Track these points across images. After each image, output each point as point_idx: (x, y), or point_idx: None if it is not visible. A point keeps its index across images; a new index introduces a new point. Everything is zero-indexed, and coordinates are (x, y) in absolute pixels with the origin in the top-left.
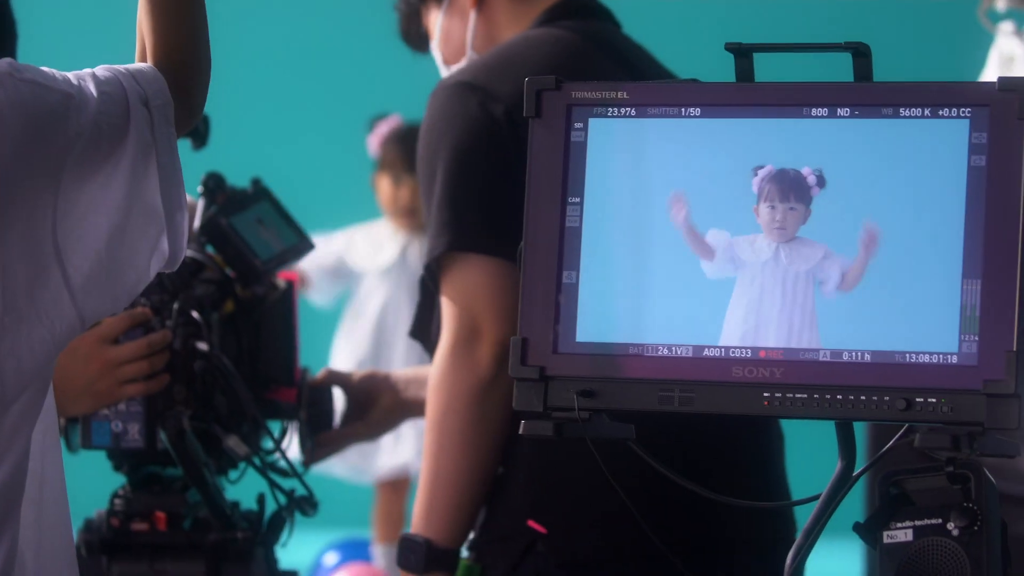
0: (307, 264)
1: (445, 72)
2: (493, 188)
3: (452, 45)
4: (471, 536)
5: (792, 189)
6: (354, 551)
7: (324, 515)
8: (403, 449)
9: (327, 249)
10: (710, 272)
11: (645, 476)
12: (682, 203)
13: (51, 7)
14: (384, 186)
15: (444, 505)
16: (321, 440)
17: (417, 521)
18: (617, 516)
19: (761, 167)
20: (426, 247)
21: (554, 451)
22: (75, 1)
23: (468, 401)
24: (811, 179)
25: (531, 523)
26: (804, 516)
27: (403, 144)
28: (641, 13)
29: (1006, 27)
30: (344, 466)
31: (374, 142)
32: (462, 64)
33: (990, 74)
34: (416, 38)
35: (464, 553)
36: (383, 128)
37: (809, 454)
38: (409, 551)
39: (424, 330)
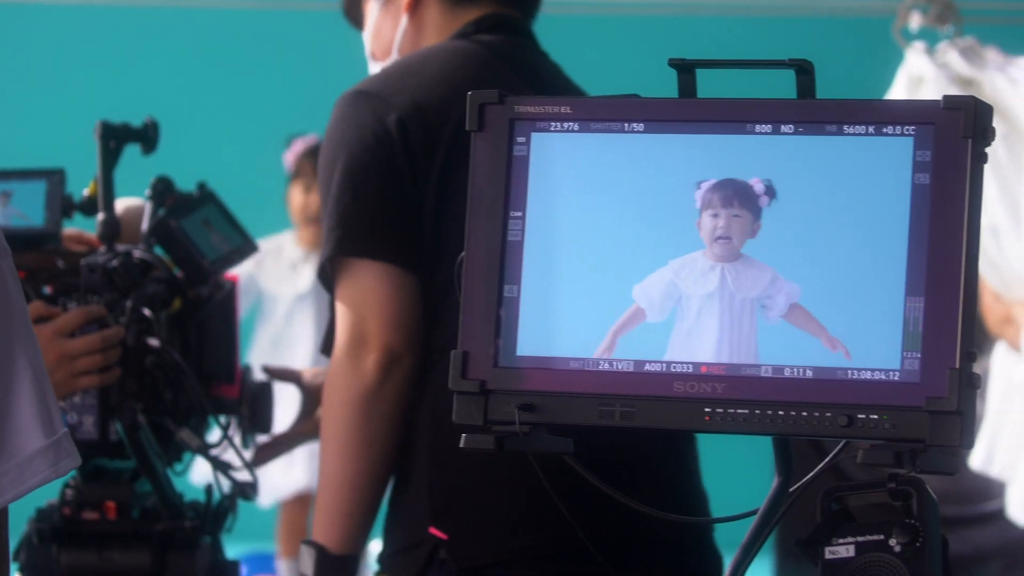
0: None
1: (371, 63)
2: (381, 195)
3: (381, 42)
4: (380, 549)
5: (736, 195)
6: (259, 565)
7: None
8: (296, 472)
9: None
10: (653, 318)
11: (553, 475)
12: None
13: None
14: (295, 195)
15: (334, 512)
16: (274, 440)
17: (313, 527)
18: (518, 518)
19: (704, 181)
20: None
21: (452, 457)
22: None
23: (353, 408)
24: (759, 187)
25: (432, 530)
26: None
27: (316, 157)
28: (584, 30)
29: (918, 46)
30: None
31: (289, 157)
32: (385, 64)
33: (897, 93)
34: (355, 17)
35: (375, 566)
36: (299, 145)
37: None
38: (305, 557)
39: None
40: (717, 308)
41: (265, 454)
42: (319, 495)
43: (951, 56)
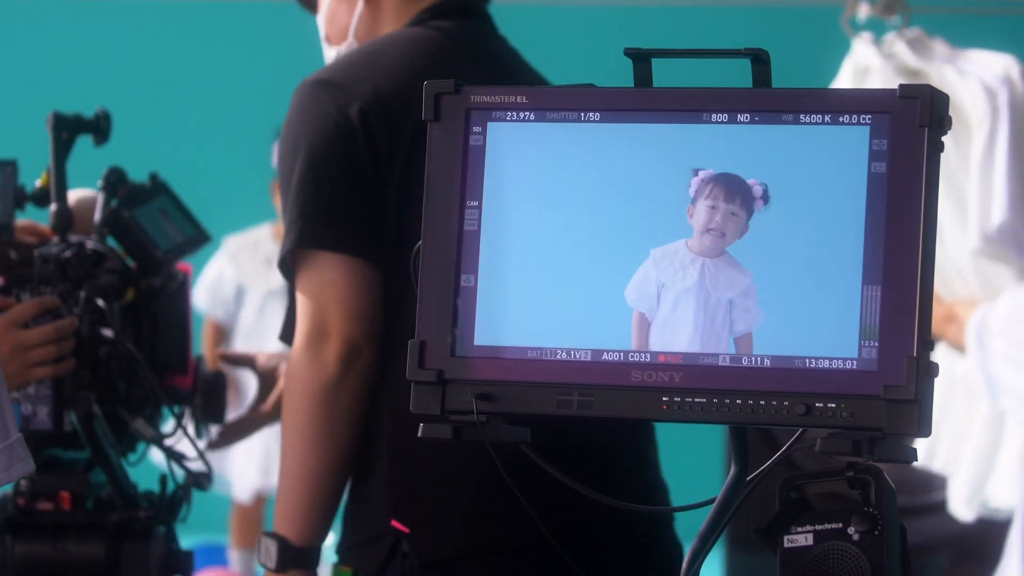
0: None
1: (326, 47)
2: (343, 187)
3: (337, 26)
4: (339, 540)
5: (738, 192)
6: (211, 556)
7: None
8: (251, 470)
9: (217, 277)
10: (632, 300)
11: (515, 468)
12: None
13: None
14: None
15: (296, 503)
16: (231, 425)
17: (275, 519)
18: (480, 512)
19: (700, 168)
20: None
21: (413, 449)
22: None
23: (315, 400)
24: (757, 190)
25: (394, 523)
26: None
27: None
28: (538, 20)
29: (865, 36)
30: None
31: (277, 151)
32: (341, 49)
33: (843, 83)
34: (309, 0)
35: (333, 557)
36: None
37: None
38: (267, 549)
39: (293, 334)
40: (692, 304)
41: (223, 439)
42: (280, 487)
43: (898, 47)
